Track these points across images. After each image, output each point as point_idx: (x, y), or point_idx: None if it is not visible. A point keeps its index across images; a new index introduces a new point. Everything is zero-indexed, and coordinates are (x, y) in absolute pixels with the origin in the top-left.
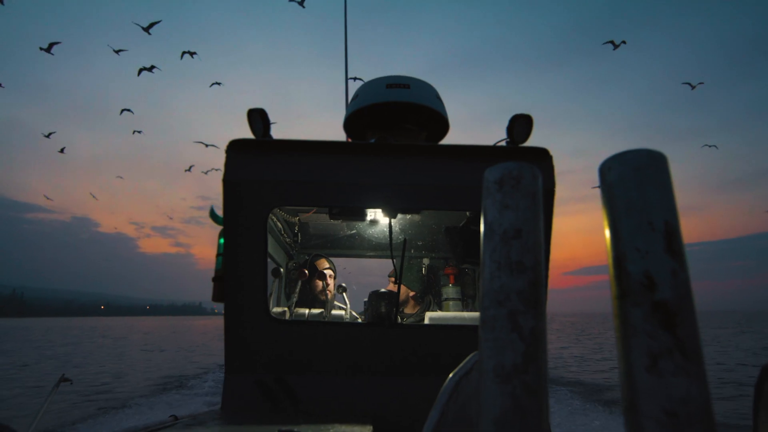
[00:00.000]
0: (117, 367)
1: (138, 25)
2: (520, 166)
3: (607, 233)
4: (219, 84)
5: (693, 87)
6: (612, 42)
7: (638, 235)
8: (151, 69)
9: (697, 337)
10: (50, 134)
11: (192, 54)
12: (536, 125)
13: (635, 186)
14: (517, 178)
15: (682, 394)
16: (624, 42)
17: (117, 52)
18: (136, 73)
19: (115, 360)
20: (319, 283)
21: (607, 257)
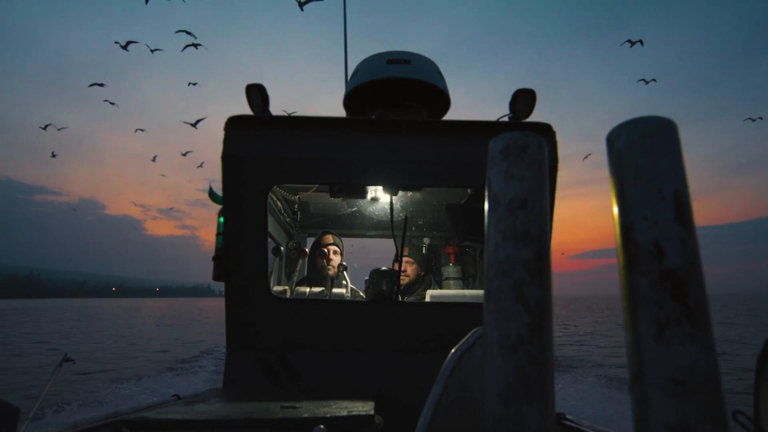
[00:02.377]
0: None
1: (117, 43)
2: (526, 135)
3: (615, 203)
4: (195, 84)
5: (647, 83)
6: (629, 41)
7: (647, 204)
8: (101, 84)
9: (706, 305)
10: (46, 126)
11: (196, 46)
12: (539, 109)
13: (644, 154)
14: (523, 148)
15: (690, 363)
16: (641, 42)
17: (126, 44)
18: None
19: None
20: (320, 261)
21: (614, 227)
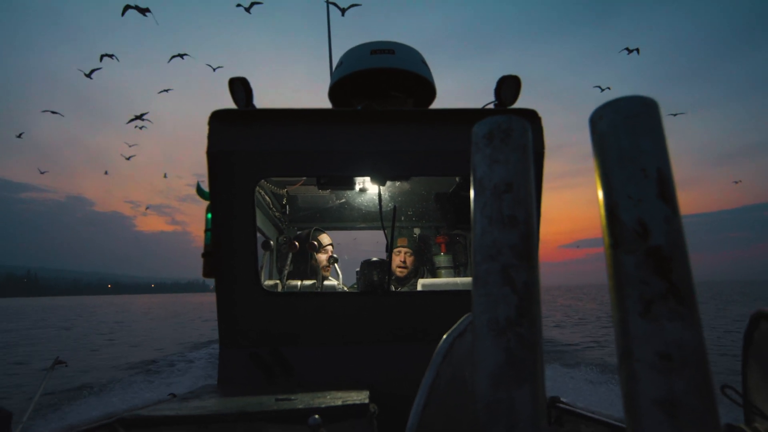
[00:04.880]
0: None
1: (80, 70)
2: (510, 119)
3: (599, 183)
4: (168, 90)
5: (602, 90)
6: (627, 49)
7: (631, 183)
8: (55, 112)
9: (691, 281)
10: (21, 134)
11: (182, 56)
12: (529, 100)
13: (627, 134)
14: (507, 132)
15: (676, 338)
16: (638, 50)
17: (90, 72)
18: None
19: None
20: (323, 258)
21: (599, 208)
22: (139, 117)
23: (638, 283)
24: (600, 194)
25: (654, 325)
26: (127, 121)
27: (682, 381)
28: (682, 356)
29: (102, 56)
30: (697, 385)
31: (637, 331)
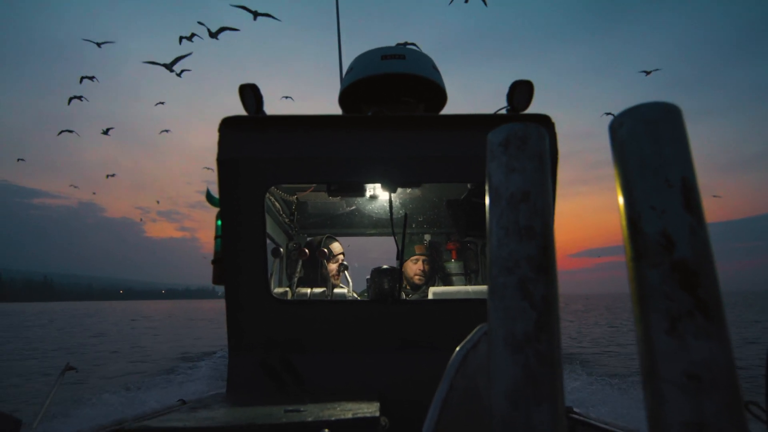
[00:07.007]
0: None
1: (74, 96)
2: (526, 127)
3: (620, 193)
4: (167, 131)
5: (609, 116)
6: (645, 71)
7: (654, 193)
8: (80, 98)
9: (719, 296)
10: (20, 159)
11: (179, 74)
12: (539, 105)
13: (649, 142)
14: (523, 139)
15: (705, 357)
16: (658, 69)
17: (73, 88)
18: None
19: None
20: (333, 267)
21: (619, 219)
22: (105, 132)
23: (663, 299)
24: (621, 204)
25: (681, 343)
26: (101, 132)
27: (712, 403)
28: (711, 377)
29: (82, 78)
30: (728, 406)
31: (663, 350)
